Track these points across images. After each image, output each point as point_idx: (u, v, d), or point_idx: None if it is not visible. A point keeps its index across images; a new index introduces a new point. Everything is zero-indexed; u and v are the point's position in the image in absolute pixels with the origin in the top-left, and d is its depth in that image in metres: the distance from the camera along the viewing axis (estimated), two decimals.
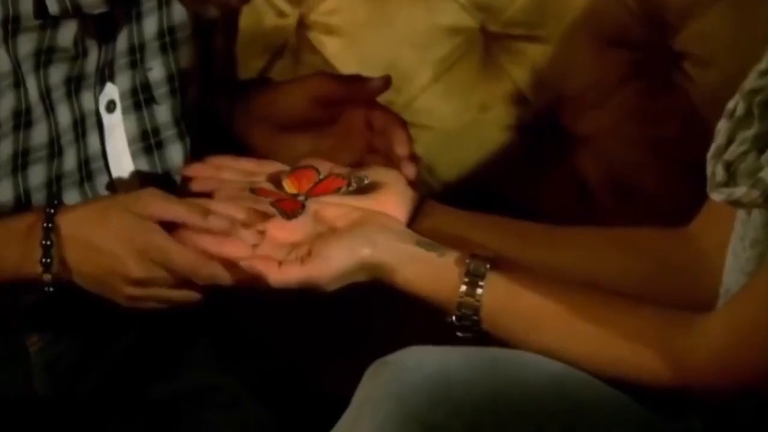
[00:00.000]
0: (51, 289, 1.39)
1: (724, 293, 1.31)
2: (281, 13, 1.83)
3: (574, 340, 1.30)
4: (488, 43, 1.76)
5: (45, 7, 1.38)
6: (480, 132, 1.76)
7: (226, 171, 1.43)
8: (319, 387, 1.58)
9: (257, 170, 1.44)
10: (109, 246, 1.37)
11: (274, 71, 1.83)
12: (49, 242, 1.37)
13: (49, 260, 1.37)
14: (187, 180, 1.47)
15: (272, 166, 1.43)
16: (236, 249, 1.34)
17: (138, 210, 1.38)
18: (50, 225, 1.37)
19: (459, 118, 1.76)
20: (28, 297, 1.46)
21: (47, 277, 1.37)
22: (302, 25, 1.82)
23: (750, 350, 1.22)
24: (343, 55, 1.80)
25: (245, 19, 1.74)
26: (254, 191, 1.39)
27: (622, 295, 1.33)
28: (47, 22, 1.39)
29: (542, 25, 1.72)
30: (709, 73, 1.67)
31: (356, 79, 1.53)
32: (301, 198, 1.38)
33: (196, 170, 1.46)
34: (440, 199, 1.49)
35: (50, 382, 1.51)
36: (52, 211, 1.38)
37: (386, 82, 1.49)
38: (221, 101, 1.58)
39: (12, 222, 1.40)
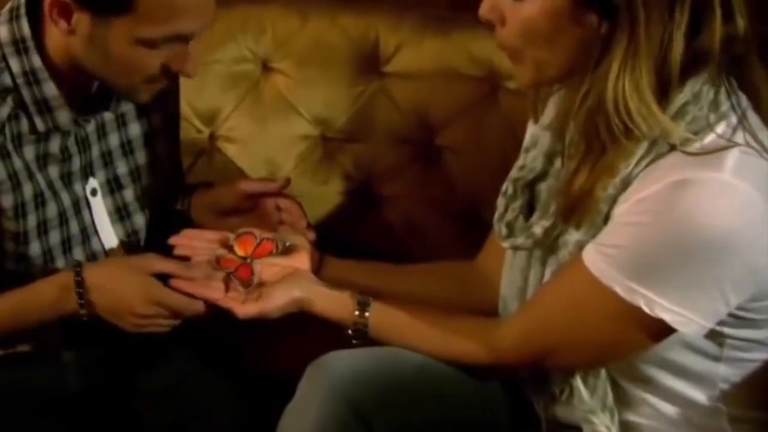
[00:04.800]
0: (85, 318, 1.52)
1: (502, 299, 1.53)
2: (199, 131, 2.09)
3: (426, 340, 1.50)
4: (326, 144, 2.05)
5: (36, 128, 1.52)
6: (324, 198, 2.03)
7: (196, 240, 1.58)
8: (267, 369, 1.77)
9: (214, 238, 1.59)
10: (122, 291, 1.49)
11: (197, 166, 2.07)
12: (81, 290, 1.49)
13: (83, 301, 1.49)
14: (171, 247, 1.61)
15: (222, 235, 1.59)
16: (213, 293, 1.52)
17: (144, 267, 1.52)
18: (80, 279, 1.50)
19: (311, 190, 2.03)
20: (62, 325, 1.59)
21: (83, 312, 1.50)
22: (213, 137, 2.09)
23: (536, 341, 1.43)
24: (240, 155, 2.07)
25: None
26: (218, 259, 1.55)
27: (450, 310, 1.53)
28: (40, 136, 1.54)
29: (359, 132, 2.03)
30: (459, 159, 1.99)
31: (268, 180, 1.71)
32: (249, 261, 1.54)
33: (177, 240, 1.61)
34: None
35: (80, 378, 1.68)
36: (78, 268, 1.51)
37: (287, 181, 1.68)
38: (181, 198, 1.75)
39: (49, 280, 1.53)
